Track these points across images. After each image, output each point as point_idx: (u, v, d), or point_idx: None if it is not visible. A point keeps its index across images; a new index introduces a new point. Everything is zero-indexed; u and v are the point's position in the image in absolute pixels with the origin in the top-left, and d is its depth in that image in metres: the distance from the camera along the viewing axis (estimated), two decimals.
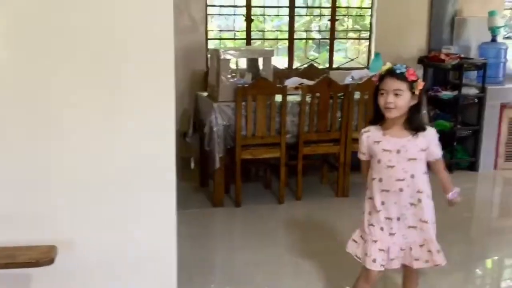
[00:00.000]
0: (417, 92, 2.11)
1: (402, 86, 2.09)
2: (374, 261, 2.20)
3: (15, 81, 1.76)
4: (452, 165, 4.89)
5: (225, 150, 3.85)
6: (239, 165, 3.86)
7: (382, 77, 2.14)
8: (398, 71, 2.10)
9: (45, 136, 1.80)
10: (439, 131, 4.94)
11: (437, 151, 2.23)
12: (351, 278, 2.42)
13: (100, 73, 1.82)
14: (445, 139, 4.76)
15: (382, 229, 2.20)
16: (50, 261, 1.65)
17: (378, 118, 2.20)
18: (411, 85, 2.10)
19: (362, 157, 2.29)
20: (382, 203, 2.20)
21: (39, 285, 1.84)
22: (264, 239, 3.44)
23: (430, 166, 2.25)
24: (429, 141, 2.19)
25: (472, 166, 4.97)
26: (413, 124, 2.15)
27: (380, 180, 2.19)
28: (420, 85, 2.12)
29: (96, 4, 1.78)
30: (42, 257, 1.65)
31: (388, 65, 2.17)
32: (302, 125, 3.92)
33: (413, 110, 2.14)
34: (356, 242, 2.31)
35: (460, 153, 4.95)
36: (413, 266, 2.26)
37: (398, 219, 2.20)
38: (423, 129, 2.17)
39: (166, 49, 1.85)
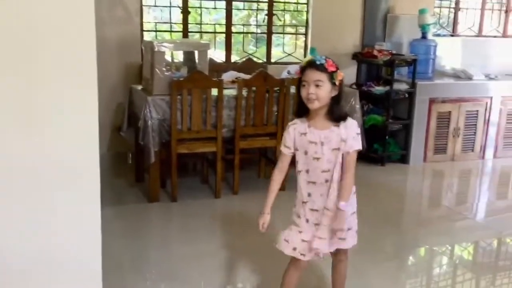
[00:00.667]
0: (337, 83, 2.14)
1: (322, 77, 2.11)
2: (294, 249, 2.24)
3: None
4: (384, 157, 5.06)
5: (160, 144, 3.78)
6: (175, 159, 3.81)
7: (303, 69, 2.15)
8: (318, 62, 2.12)
9: None
10: (372, 125, 5.19)
11: (353, 144, 2.19)
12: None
13: (16, 65, 1.72)
14: (378, 133, 5.00)
15: (307, 221, 2.23)
16: None
17: (302, 110, 2.21)
18: (331, 75, 2.12)
19: (286, 151, 2.25)
20: (309, 194, 2.22)
21: None
22: (200, 234, 3.42)
23: (343, 159, 2.20)
24: (348, 132, 2.19)
25: (403, 159, 5.16)
26: (334, 114, 2.17)
27: (307, 171, 2.22)
28: (340, 75, 2.14)
29: None
30: None
31: (308, 57, 2.20)
32: (238, 119, 3.92)
33: (334, 101, 2.17)
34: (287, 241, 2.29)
35: (392, 146, 5.12)
36: (340, 246, 2.30)
37: (323, 209, 2.21)
38: (344, 119, 2.19)
39: (87, 42, 1.76)
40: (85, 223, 1.88)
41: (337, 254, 2.40)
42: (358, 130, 2.24)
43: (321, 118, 2.19)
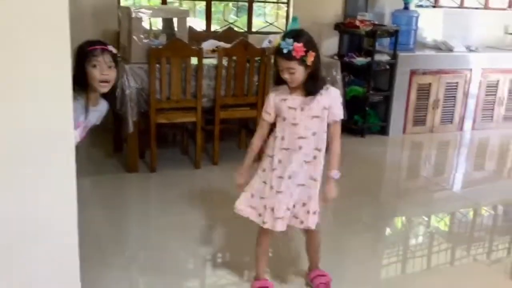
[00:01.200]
0: (309, 63, 2.10)
1: (293, 64, 2.09)
2: (260, 215, 2.26)
3: None
4: (364, 129, 5.07)
5: (139, 114, 3.71)
6: (154, 129, 3.75)
7: (275, 54, 2.15)
8: (285, 51, 2.08)
9: None
10: (352, 97, 5.18)
11: (338, 112, 2.23)
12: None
13: None
14: (358, 104, 4.99)
15: (271, 188, 2.23)
16: None
17: (281, 80, 2.18)
18: (301, 60, 2.09)
19: (267, 117, 2.24)
20: (279, 161, 2.21)
21: None
22: (179, 205, 3.39)
23: (328, 128, 2.23)
24: (331, 101, 2.20)
25: (383, 130, 5.18)
26: (309, 89, 2.17)
27: (283, 138, 2.20)
28: (311, 56, 2.10)
29: None
30: None
31: (277, 41, 2.15)
32: (218, 89, 3.86)
33: (310, 77, 2.15)
34: (251, 206, 2.30)
35: (372, 117, 5.13)
36: (289, 223, 2.27)
37: (289, 177, 2.21)
38: (317, 93, 2.18)
39: (60, 7, 1.67)
40: (60, 194, 1.83)
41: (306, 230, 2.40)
42: (341, 99, 2.23)
43: (301, 89, 2.18)
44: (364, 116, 5.03)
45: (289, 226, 2.29)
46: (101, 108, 2.36)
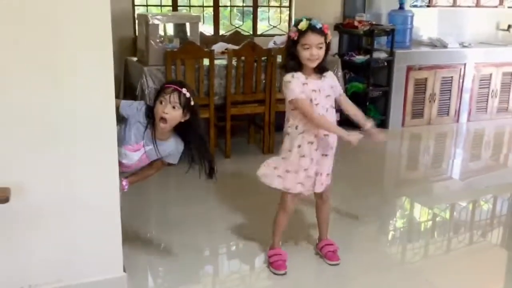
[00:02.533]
0: (328, 41, 2.47)
1: (322, 39, 2.42)
2: (302, 185, 2.57)
3: None
4: None
5: None
6: None
7: (303, 33, 2.39)
8: (318, 26, 2.40)
9: None
10: (353, 92, 5.48)
11: (339, 87, 2.62)
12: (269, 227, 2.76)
13: (38, 32, 1.96)
14: (359, 99, 5.29)
15: (312, 160, 2.54)
16: (6, 200, 1.82)
17: (294, 67, 2.47)
18: (326, 37, 2.44)
19: (303, 96, 2.44)
20: (315, 136, 2.51)
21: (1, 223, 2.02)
22: (196, 194, 3.68)
23: (339, 102, 2.60)
24: (334, 80, 2.58)
25: (383, 124, 5.49)
26: (324, 66, 2.51)
27: None
28: (329, 36, 2.48)
29: None
30: None
31: (305, 21, 2.40)
32: (229, 87, 4.19)
33: (324, 56, 2.48)
34: (280, 177, 2.58)
35: (372, 112, 5.43)
36: (316, 190, 2.62)
37: (316, 149, 2.54)
38: (327, 69, 2.55)
39: (103, 11, 2.02)
40: (104, 164, 2.16)
41: (320, 197, 2.73)
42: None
43: (312, 71, 2.49)
44: (365, 111, 5.28)
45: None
46: (168, 145, 2.42)
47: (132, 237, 2.92)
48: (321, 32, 2.41)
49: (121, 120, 2.37)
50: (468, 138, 5.61)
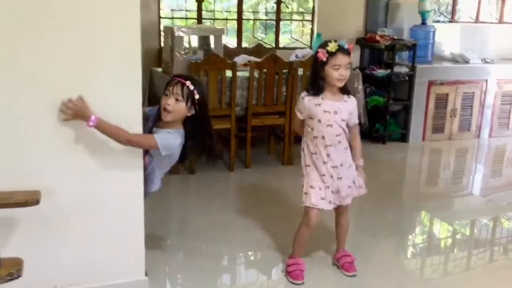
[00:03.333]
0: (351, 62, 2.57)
1: (350, 60, 2.51)
2: (329, 202, 2.63)
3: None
4: (385, 136, 5.40)
5: None
6: None
7: (333, 54, 2.47)
8: (346, 47, 2.50)
9: (30, 98, 2.03)
10: (374, 106, 5.53)
11: (356, 117, 2.67)
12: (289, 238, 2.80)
13: (71, 43, 2.06)
14: (379, 113, 5.34)
15: (332, 176, 2.60)
16: (37, 202, 1.91)
17: (319, 88, 2.54)
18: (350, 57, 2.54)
19: (300, 115, 2.63)
20: (328, 155, 2.58)
21: (24, 226, 2.10)
22: (216, 203, 3.75)
23: (349, 129, 2.64)
24: (353, 107, 2.64)
25: (403, 138, 5.50)
26: (346, 88, 2.59)
27: (323, 137, 2.57)
28: (352, 57, 2.56)
29: None
30: (29, 198, 1.90)
31: (334, 43, 2.49)
32: (250, 98, 4.26)
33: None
34: (307, 193, 2.64)
35: (393, 125, 5.47)
36: (342, 203, 2.67)
37: (341, 165, 2.61)
38: (349, 91, 2.62)
39: (132, 16, 2.11)
40: (130, 176, 2.25)
41: (339, 209, 2.76)
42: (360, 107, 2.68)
43: (335, 92, 2.57)
44: (385, 124, 5.37)
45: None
46: (163, 133, 2.33)
47: (154, 243, 2.99)
48: (348, 53, 2.50)
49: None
50: (489, 154, 5.58)
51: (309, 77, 2.78)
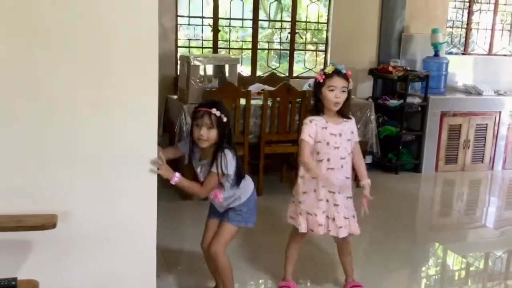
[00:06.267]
0: (350, 87, 2.62)
1: (346, 84, 2.58)
2: (324, 227, 2.65)
3: (17, 71, 2.05)
4: (398, 166, 5.40)
5: None
6: None
7: (329, 75, 2.56)
8: (343, 71, 2.58)
9: (48, 124, 2.10)
10: (386, 136, 5.54)
11: (357, 135, 2.74)
12: (307, 265, 2.82)
13: (92, 71, 2.12)
14: (392, 143, 5.35)
15: (327, 201, 2.63)
16: (53, 225, 1.95)
17: (319, 109, 2.64)
18: (348, 82, 2.60)
19: (310, 140, 2.61)
20: (327, 179, 2.61)
21: (40, 249, 2.14)
22: None
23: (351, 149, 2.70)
24: (354, 126, 2.71)
25: (416, 168, 5.50)
26: (345, 110, 2.65)
27: (328, 160, 2.61)
28: (351, 84, 2.63)
29: (86, 5, 2.10)
30: (46, 222, 1.94)
31: (331, 66, 2.61)
32: (264, 126, 4.32)
33: (346, 101, 2.63)
34: (293, 218, 2.74)
35: (405, 156, 5.47)
36: (339, 235, 2.67)
37: (339, 192, 2.63)
38: (349, 116, 2.69)
39: (151, 48, 2.18)
40: (144, 200, 2.28)
41: (337, 240, 2.78)
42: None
43: (334, 115, 2.63)
44: (398, 155, 5.38)
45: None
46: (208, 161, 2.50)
47: (166, 268, 3.01)
48: (345, 76, 2.58)
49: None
50: (503, 186, 5.53)
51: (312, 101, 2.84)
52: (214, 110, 2.43)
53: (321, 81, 2.58)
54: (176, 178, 2.38)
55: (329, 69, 2.58)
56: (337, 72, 2.56)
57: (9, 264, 2.10)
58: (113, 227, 2.26)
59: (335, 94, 2.55)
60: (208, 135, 2.43)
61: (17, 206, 2.05)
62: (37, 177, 2.11)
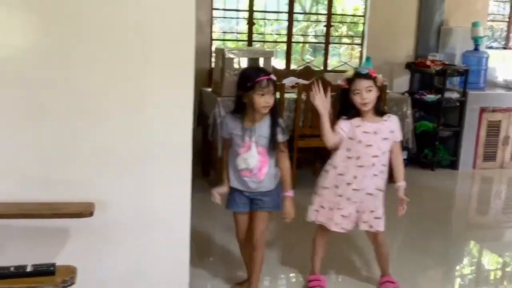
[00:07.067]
0: (379, 84, 2.59)
1: (370, 83, 2.55)
2: (336, 224, 2.66)
3: (58, 67, 2.11)
4: (434, 163, 5.29)
5: None
6: None
7: (351, 80, 2.58)
8: (364, 72, 2.57)
9: (87, 115, 2.15)
10: (422, 131, 5.43)
11: (399, 134, 2.68)
12: (335, 262, 2.82)
13: (128, 65, 2.17)
14: (428, 139, 5.25)
15: (348, 199, 2.63)
16: (91, 214, 2.00)
17: (350, 112, 2.63)
18: (375, 80, 2.57)
19: (341, 132, 2.62)
20: (355, 177, 2.61)
21: (76, 237, 2.21)
22: None
23: (391, 148, 2.66)
24: (395, 125, 2.66)
25: (453, 165, 5.37)
26: (378, 108, 2.63)
27: (358, 158, 2.60)
28: (379, 79, 2.60)
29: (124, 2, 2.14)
30: (84, 210, 2.00)
31: (351, 71, 2.62)
32: (297, 120, 4.30)
33: (378, 100, 2.62)
34: (317, 211, 2.73)
35: (442, 152, 5.35)
36: (360, 227, 2.69)
37: (364, 189, 2.63)
38: (385, 112, 2.66)
39: (187, 43, 2.21)
40: (178, 190, 2.32)
41: (369, 235, 2.77)
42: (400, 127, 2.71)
43: (370, 114, 2.61)
44: (434, 150, 5.27)
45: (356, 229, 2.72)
46: (264, 123, 2.51)
47: (198, 259, 3.05)
48: (367, 76, 2.56)
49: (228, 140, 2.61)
50: None
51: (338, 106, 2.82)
52: (273, 76, 2.48)
53: (346, 87, 2.61)
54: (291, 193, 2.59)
55: (349, 74, 2.61)
56: (357, 75, 2.57)
57: (47, 251, 2.17)
58: (147, 216, 2.30)
59: (361, 97, 2.55)
60: (271, 101, 2.46)
61: (56, 194, 2.11)
62: (75, 167, 2.17)
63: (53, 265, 1.67)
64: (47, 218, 2.06)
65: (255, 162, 2.50)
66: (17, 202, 2.06)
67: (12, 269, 1.59)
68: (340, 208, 2.65)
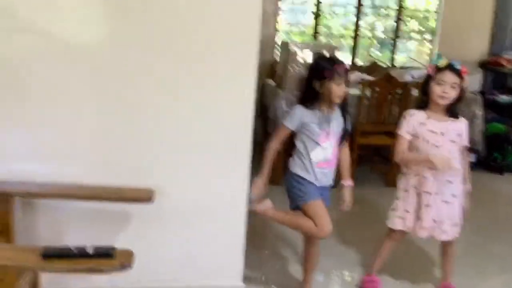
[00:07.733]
0: (464, 85, 2.46)
1: (457, 80, 2.42)
2: (424, 229, 2.54)
3: (129, 61, 2.19)
4: (503, 167, 5.03)
5: None
6: None
7: (441, 69, 2.43)
8: (457, 67, 2.43)
9: (152, 104, 2.23)
10: (493, 134, 5.16)
11: (467, 139, 2.54)
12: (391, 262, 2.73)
13: (194, 58, 2.22)
14: (499, 142, 4.98)
15: (428, 205, 2.51)
16: (150, 199, 2.07)
17: (424, 103, 2.51)
18: (461, 79, 2.43)
19: (406, 135, 2.51)
20: (424, 177, 2.49)
21: (134, 222, 2.29)
22: None
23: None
24: (464, 128, 2.52)
25: None
26: (454, 111, 2.49)
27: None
28: (466, 81, 2.46)
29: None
30: (144, 196, 2.07)
31: (445, 61, 2.46)
32: (359, 117, 4.22)
33: (456, 100, 2.46)
34: (402, 218, 2.59)
35: None
36: (440, 239, 2.57)
37: (436, 193, 2.50)
38: (458, 116, 2.51)
39: (252, 36, 2.22)
40: (237, 179, 2.37)
41: (446, 246, 2.67)
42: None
43: (440, 112, 2.48)
44: (504, 154, 5.00)
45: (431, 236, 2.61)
46: (337, 113, 2.48)
47: (252, 251, 3.07)
48: (458, 73, 2.42)
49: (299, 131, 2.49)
50: None
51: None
52: (346, 65, 2.43)
53: (432, 74, 2.46)
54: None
55: (442, 63, 2.45)
56: (450, 67, 2.43)
57: (107, 233, 2.27)
58: (205, 205, 2.35)
59: (442, 89, 2.42)
60: (345, 90, 2.41)
61: (117, 179, 2.20)
62: (138, 154, 2.25)
63: (113, 248, 1.73)
64: (113, 202, 2.14)
65: (331, 151, 2.45)
66: (79, 185, 2.15)
67: (73, 250, 1.66)
68: (408, 211, 2.56)
